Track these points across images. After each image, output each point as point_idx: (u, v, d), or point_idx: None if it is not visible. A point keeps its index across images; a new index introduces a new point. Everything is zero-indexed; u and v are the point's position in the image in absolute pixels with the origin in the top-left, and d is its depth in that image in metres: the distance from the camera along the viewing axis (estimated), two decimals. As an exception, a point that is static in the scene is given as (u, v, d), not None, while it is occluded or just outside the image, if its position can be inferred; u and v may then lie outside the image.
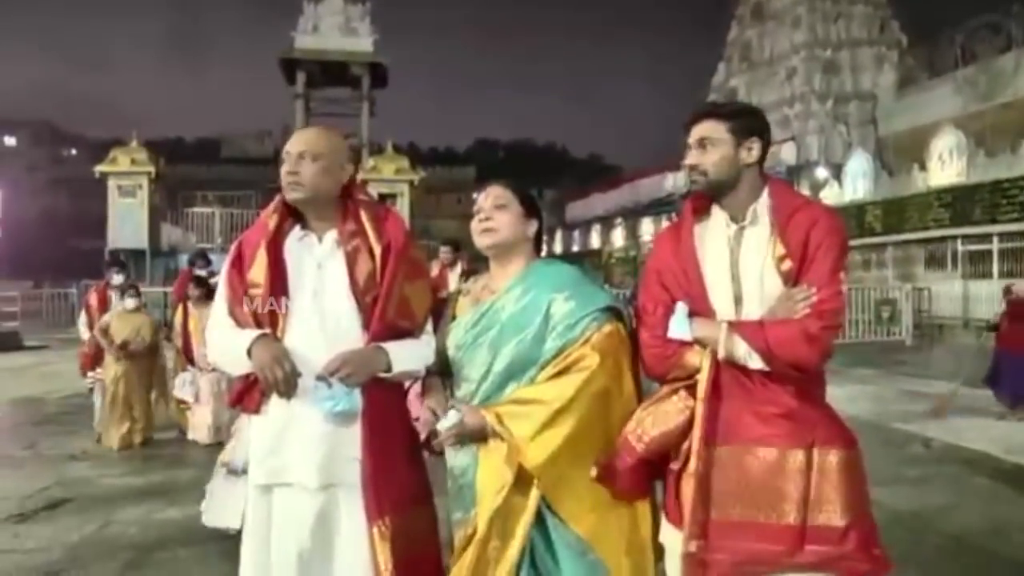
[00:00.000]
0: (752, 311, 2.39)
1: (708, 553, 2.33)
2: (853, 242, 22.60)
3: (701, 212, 2.58)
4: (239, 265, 2.69)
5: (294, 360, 2.51)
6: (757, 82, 37.40)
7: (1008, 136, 24.71)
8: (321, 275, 2.66)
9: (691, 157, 2.50)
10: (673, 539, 2.44)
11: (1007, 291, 11.10)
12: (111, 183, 24.75)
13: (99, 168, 24.87)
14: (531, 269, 2.64)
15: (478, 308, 2.63)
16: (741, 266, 2.43)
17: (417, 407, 2.72)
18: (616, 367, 2.49)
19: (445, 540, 2.69)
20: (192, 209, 29.01)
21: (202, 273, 9.26)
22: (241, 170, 48.59)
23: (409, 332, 2.68)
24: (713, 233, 2.53)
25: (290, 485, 2.58)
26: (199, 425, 8.23)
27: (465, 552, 2.42)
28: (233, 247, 2.77)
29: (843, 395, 9.26)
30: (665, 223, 38.43)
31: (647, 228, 45.18)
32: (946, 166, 26.02)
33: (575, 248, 56.84)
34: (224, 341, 2.67)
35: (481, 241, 2.67)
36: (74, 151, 73.78)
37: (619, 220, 50.00)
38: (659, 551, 2.55)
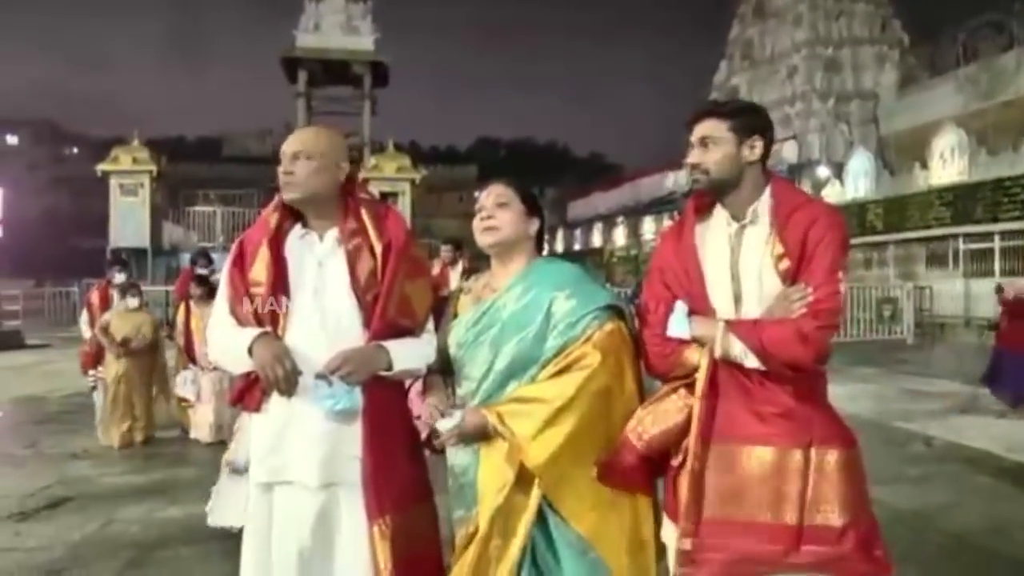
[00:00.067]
0: (751, 310, 2.40)
1: (703, 552, 2.33)
2: (854, 240, 22.65)
3: (703, 211, 2.58)
4: (240, 264, 2.69)
5: (295, 358, 2.51)
6: (759, 80, 37.40)
7: (1010, 134, 24.70)
8: (322, 273, 2.66)
9: (693, 156, 2.50)
10: (674, 536, 2.44)
11: (999, 289, 11.13)
12: (113, 182, 24.80)
13: (101, 167, 24.93)
14: (532, 267, 2.64)
15: (479, 306, 2.63)
16: (741, 265, 2.43)
17: (418, 405, 2.72)
18: (617, 365, 2.48)
19: (446, 538, 2.69)
20: (194, 208, 29.05)
21: (204, 272, 9.26)
22: (243, 169, 48.55)
23: (410, 331, 2.68)
24: (714, 232, 2.53)
25: (291, 483, 2.58)
26: (201, 424, 8.22)
27: (466, 550, 2.42)
28: (234, 246, 2.77)
29: (844, 393, 9.26)
30: (667, 222, 38.55)
31: (649, 227, 45.22)
32: (947, 165, 26.01)
33: (577, 247, 56.87)
34: (225, 340, 2.67)
35: (483, 239, 2.67)
36: (76, 150, 73.79)
37: (621, 219, 50.02)
38: (660, 550, 2.55)
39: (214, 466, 5.03)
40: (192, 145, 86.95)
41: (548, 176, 67.33)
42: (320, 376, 2.49)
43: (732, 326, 2.35)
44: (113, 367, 8.29)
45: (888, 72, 34.43)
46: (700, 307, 2.43)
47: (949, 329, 22.06)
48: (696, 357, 2.40)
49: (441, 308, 2.82)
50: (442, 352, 2.71)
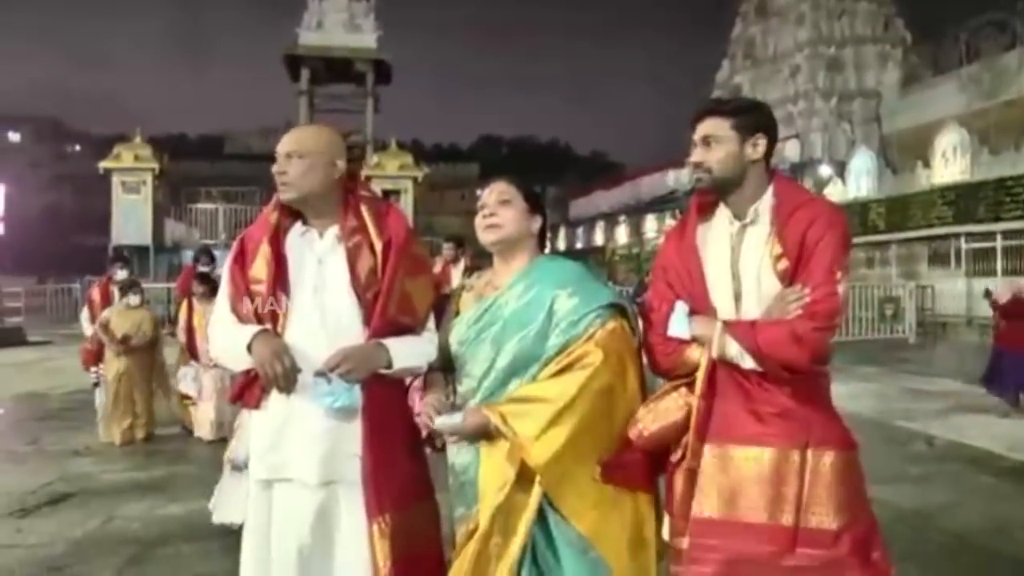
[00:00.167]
0: (751, 310, 2.39)
1: (699, 551, 2.33)
2: (857, 240, 22.65)
3: (706, 210, 2.57)
4: (241, 261, 2.69)
5: (294, 356, 2.51)
6: (761, 79, 37.38)
7: (1012, 134, 24.69)
8: (322, 271, 2.66)
9: (696, 154, 2.49)
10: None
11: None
12: (115, 179, 24.83)
13: (103, 164, 24.96)
14: (535, 265, 2.64)
15: (481, 304, 2.63)
16: (741, 265, 2.43)
17: (420, 403, 2.72)
18: (620, 364, 2.47)
19: (447, 536, 2.69)
20: (196, 205, 29.07)
21: (206, 269, 9.27)
22: (245, 166, 48.45)
23: (410, 328, 2.68)
24: (716, 231, 2.52)
25: (290, 481, 2.58)
26: (202, 421, 8.23)
27: (466, 548, 2.41)
28: (235, 243, 2.77)
29: (846, 392, 9.26)
30: (668, 220, 38.59)
31: (651, 225, 45.25)
32: (950, 164, 26.01)
33: (579, 245, 56.88)
34: (225, 337, 2.67)
35: (485, 237, 2.66)
36: (78, 147, 73.75)
37: (623, 217, 50.05)
38: (661, 549, 2.54)
39: (215, 463, 5.04)
40: (194, 142, 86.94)
41: (550, 174, 67.36)
42: (319, 373, 2.49)
43: (729, 327, 2.35)
44: (114, 364, 8.30)
45: (891, 71, 34.42)
46: (701, 307, 2.43)
47: (951, 328, 22.05)
48: (697, 356, 2.40)
49: (443, 306, 2.82)
50: (444, 349, 2.70)
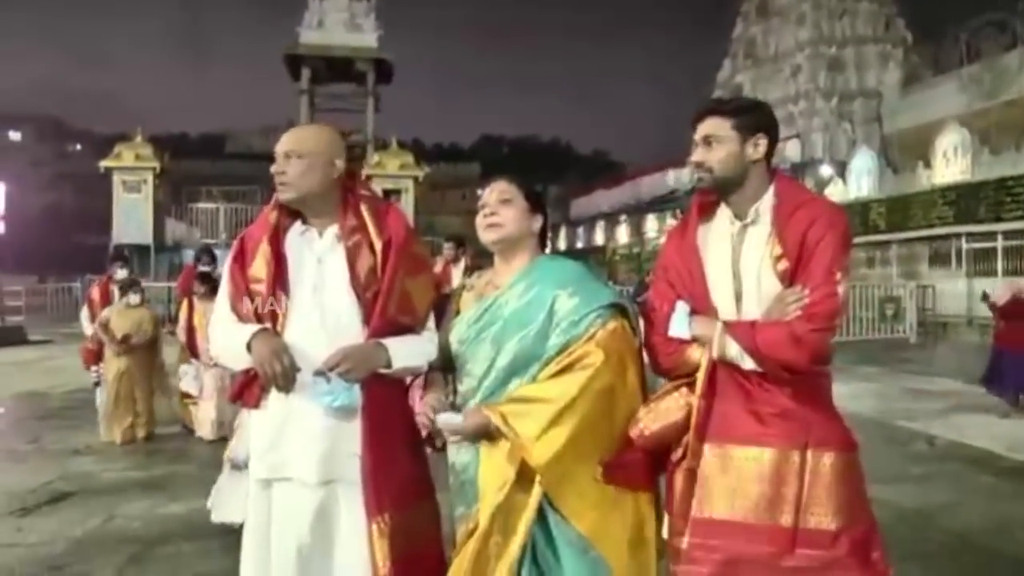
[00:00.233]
0: (751, 311, 2.39)
1: (698, 551, 2.33)
2: (857, 239, 22.64)
3: (707, 209, 2.57)
4: (241, 260, 2.69)
5: (294, 355, 2.50)
6: (762, 79, 37.39)
7: (1013, 134, 24.70)
8: (321, 270, 2.66)
9: (697, 154, 2.49)
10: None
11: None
12: (116, 178, 24.84)
13: (104, 163, 24.98)
14: (535, 265, 2.63)
15: (481, 303, 2.62)
16: (742, 265, 2.43)
17: (420, 403, 2.71)
18: (620, 364, 2.47)
19: (448, 535, 2.69)
20: (196, 204, 29.11)
21: (207, 269, 9.26)
22: (246, 166, 48.41)
23: (410, 328, 2.67)
24: (717, 231, 2.52)
25: (290, 480, 2.58)
26: (203, 420, 8.22)
27: (466, 547, 2.41)
28: (235, 243, 2.77)
29: (847, 392, 9.25)
30: (669, 220, 38.59)
31: (651, 225, 45.28)
32: (951, 164, 26.03)
33: (579, 245, 56.89)
34: (225, 336, 2.67)
35: (486, 236, 2.65)
36: (79, 146, 73.78)
37: (623, 217, 50.07)
38: (661, 548, 2.54)
39: (215, 462, 5.04)
40: (195, 142, 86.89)
41: (551, 174, 67.34)
42: (319, 373, 2.49)
43: (729, 328, 2.35)
44: (114, 364, 8.30)
45: (891, 71, 34.42)
46: (702, 307, 2.43)
47: (952, 328, 22.05)
48: (698, 356, 2.40)
49: (443, 306, 2.81)
50: (444, 349, 2.69)
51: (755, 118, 2.49)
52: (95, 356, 8.74)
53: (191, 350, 8.49)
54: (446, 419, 2.45)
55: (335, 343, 2.53)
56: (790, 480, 2.29)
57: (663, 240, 2.79)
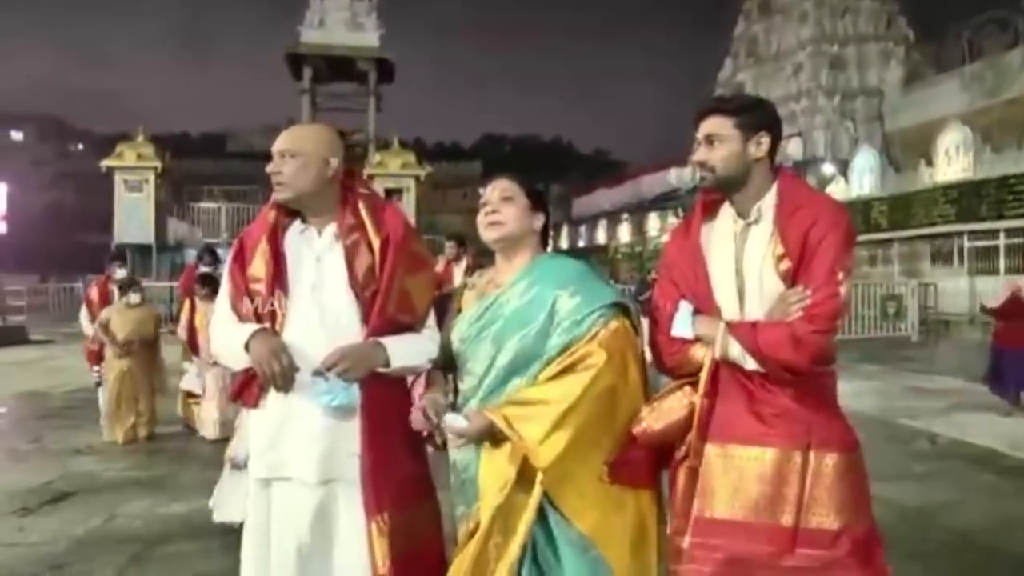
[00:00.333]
0: (753, 310, 2.38)
1: (698, 550, 2.32)
2: (859, 238, 22.56)
3: (711, 208, 2.56)
4: (241, 260, 2.68)
5: (293, 354, 2.50)
6: (764, 77, 37.38)
7: (1014, 132, 24.69)
8: (320, 269, 2.65)
9: (699, 153, 2.48)
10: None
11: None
12: (117, 178, 24.82)
13: (105, 163, 24.95)
14: (536, 263, 2.62)
15: (482, 301, 2.61)
16: (745, 264, 2.42)
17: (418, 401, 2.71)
18: (622, 364, 2.46)
19: (450, 534, 2.68)
20: (198, 204, 29.14)
21: (208, 269, 9.26)
22: (247, 165, 48.33)
23: (410, 326, 2.67)
24: (720, 230, 2.51)
25: (289, 479, 2.58)
26: (205, 420, 8.22)
27: (466, 547, 2.41)
28: (235, 242, 2.77)
29: (849, 391, 9.20)
30: (671, 218, 38.58)
31: (653, 223, 45.25)
32: (952, 162, 26.03)
33: (581, 243, 56.83)
34: (225, 336, 2.67)
35: (487, 235, 2.64)
36: (80, 146, 73.74)
37: (625, 215, 50.05)
38: (663, 548, 2.53)
39: (216, 462, 5.03)
40: (197, 141, 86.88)
41: (553, 172, 67.26)
42: (317, 372, 2.48)
43: (732, 328, 2.34)
44: (115, 364, 8.29)
45: (893, 69, 34.39)
46: (705, 306, 2.43)
47: (953, 326, 22.04)
48: (702, 355, 2.39)
49: (445, 305, 2.80)
50: (445, 347, 2.69)
51: (757, 116, 2.47)
52: (97, 356, 8.74)
53: (192, 350, 8.49)
54: (451, 423, 2.44)
55: (334, 342, 2.52)
56: (791, 480, 2.28)
57: (665, 239, 2.78)
